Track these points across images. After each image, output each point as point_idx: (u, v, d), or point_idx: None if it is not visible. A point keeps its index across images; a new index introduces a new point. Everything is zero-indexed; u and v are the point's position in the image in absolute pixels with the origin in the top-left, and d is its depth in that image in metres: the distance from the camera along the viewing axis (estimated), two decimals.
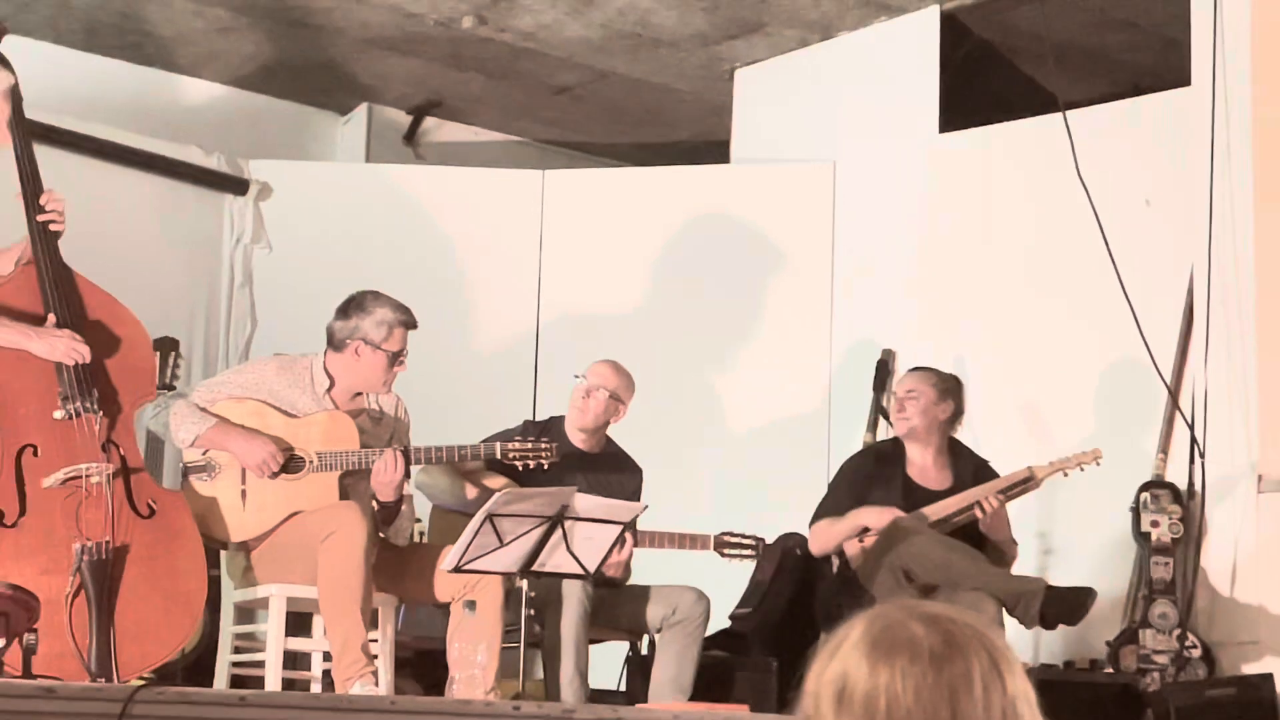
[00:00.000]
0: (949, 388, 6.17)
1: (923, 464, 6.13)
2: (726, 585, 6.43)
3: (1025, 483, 6.01)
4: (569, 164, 8.83)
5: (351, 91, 8.69)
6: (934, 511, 5.96)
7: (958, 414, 6.16)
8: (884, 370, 7.48)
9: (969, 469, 6.14)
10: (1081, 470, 6.03)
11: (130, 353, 5.13)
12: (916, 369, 6.34)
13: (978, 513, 5.92)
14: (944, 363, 6.60)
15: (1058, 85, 7.23)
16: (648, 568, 6.03)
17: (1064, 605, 5.77)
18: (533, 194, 8.18)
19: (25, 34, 7.39)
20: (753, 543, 5.92)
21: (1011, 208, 7.38)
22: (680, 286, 7.97)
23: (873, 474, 6.14)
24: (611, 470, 5.96)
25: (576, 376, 6.00)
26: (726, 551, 5.89)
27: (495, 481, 5.71)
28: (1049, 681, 5.93)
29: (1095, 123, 7.14)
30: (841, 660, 1.80)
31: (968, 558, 5.83)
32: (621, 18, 7.73)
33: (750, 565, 6.03)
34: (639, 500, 5.83)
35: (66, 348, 4.91)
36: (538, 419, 6.10)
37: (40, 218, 5.07)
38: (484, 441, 5.67)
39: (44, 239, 5.06)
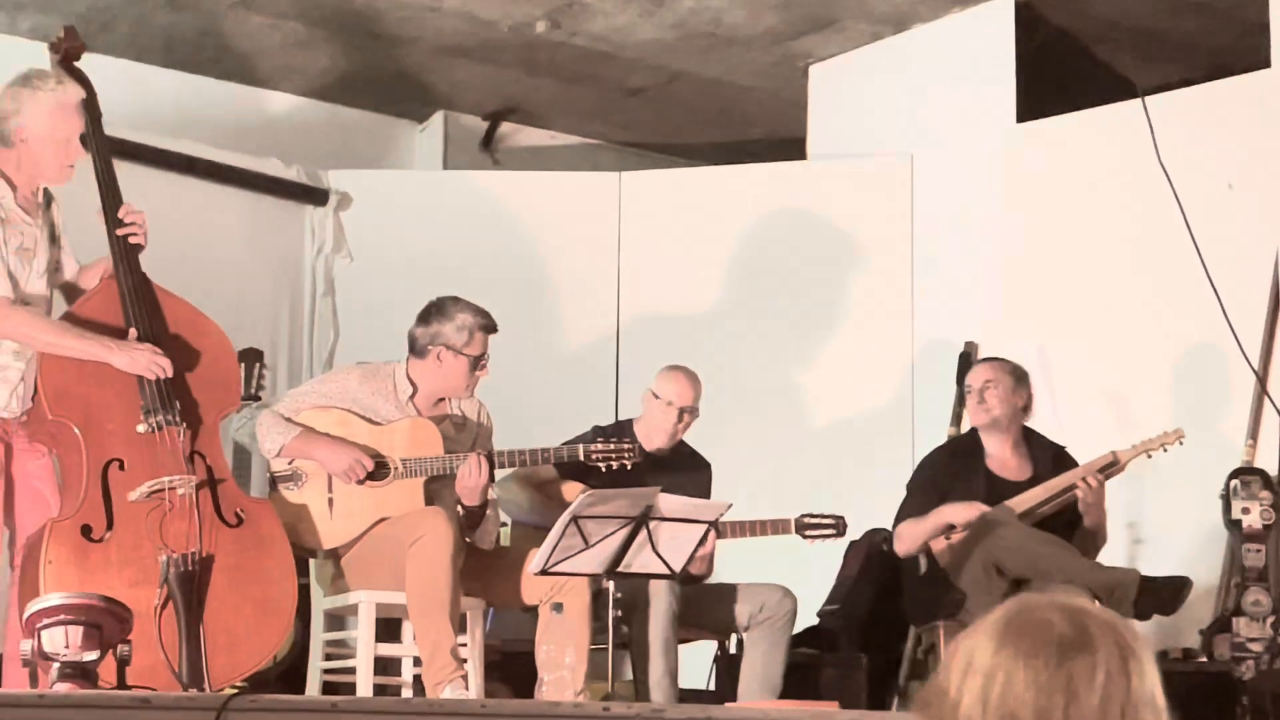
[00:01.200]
0: (1022, 375, 6.15)
1: (1001, 455, 6.10)
2: (813, 582, 6.42)
3: (1110, 467, 5.97)
4: (645, 165, 8.83)
5: (427, 99, 8.73)
6: (1020, 503, 5.92)
7: (1030, 402, 6.14)
8: (966, 363, 7.42)
9: (1047, 457, 6.10)
10: (1165, 451, 5.98)
11: (213, 364, 5.17)
12: (988, 359, 6.31)
13: (1078, 492, 5.88)
14: (1027, 353, 6.56)
15: (1136, 71, 7.17)
16: (732, 565, 6.03)
17: (1159, 596, 5.71)
18: (610, 196, 8.20)
19: (105, 52, 7.47)
20: (833, 521, 5.88)
21: (1092, 196, 7.32)
22: (759, 284, 7.96)
23: (952, 470, 6.10)
24: (683, 468, 5.94)
25: (656, 396, 5.97)
26: (808, 533, 5.87)
27: (571, 490, 5.71)
28: None
29: (1175, 108, 7.07)
30: (976, 635, 1.83)
31: (1059, 550, 5.78)
32: (694, 17, 7.72)
33: (833, 545, 5.97)
34: (710, 495, 5.84)
35: (148, 361, 4.96)
36: (604, 424, 6.05)
37: (119, 231, 5.12)
38: (562, 445, 5.68)
39: (124, 253, 5.11)
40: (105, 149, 5.24)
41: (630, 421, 6.03)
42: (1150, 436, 5.99)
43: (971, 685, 1.78)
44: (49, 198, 5.14)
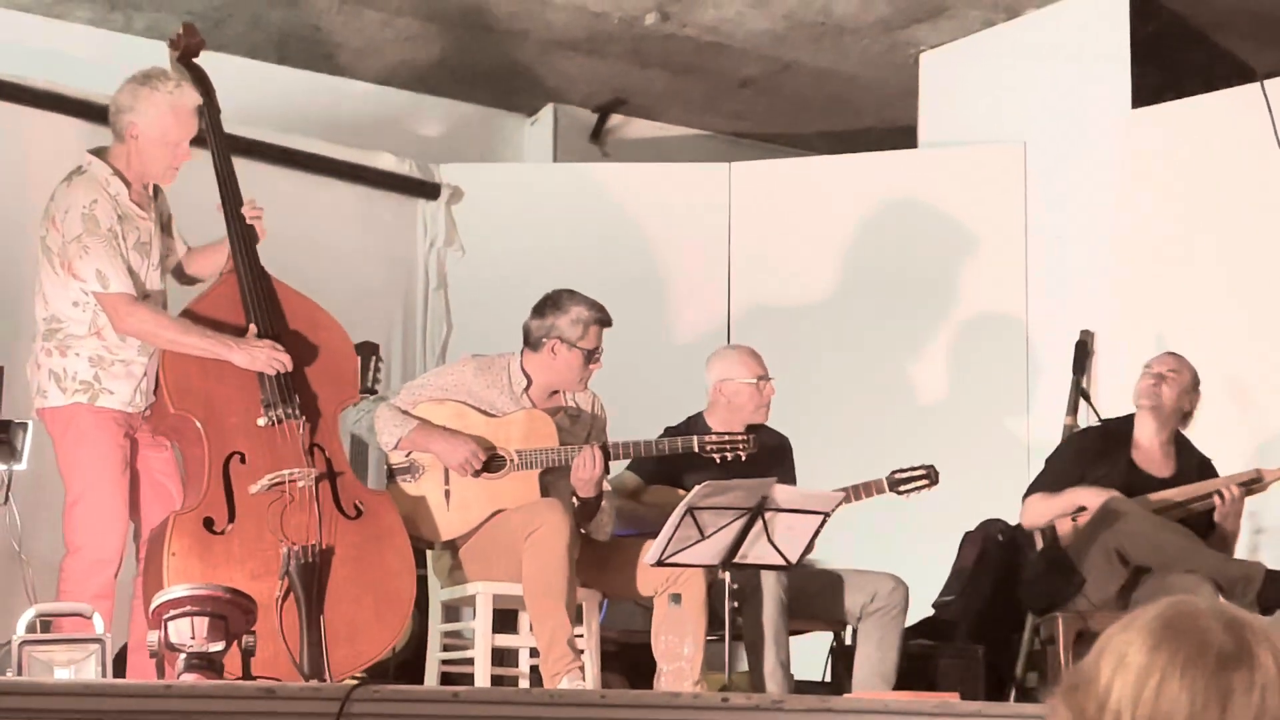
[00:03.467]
0: (1199, 382, 6.06)
1: (1149, 448, 6.03)
2: (929, 573, 6.39)
3: (1252, 482, 5.89)
4: (755, 156, 8.81)
5: (537, 93, 8.76)
6: (1157, 499, 5.85)
7: (1193, 410, 6.06)
8: (1083, 352, 7.36)
9: (1193, 463, 6.03)
10: None
11: (331, 358, 5.22)
12: (1174, 353, 6.18)
13: (1217, 500, 5.80)
14: (1144, 341, 6.48)
15: (1253, 55, 7.07)
16: (847, 556, 6.01)
17: None
18: (720, 187, 8.18)
19: (219, 49, 7.55)
20: (924, 471, 5.83)
21: (1209, 182, 7.22)
22: (871, 274, 7.92)
23: (1097, 451, 6.04)
24: (768, 452, 5.89)
25: (732, 380, 5.93)
26: (902, 488, 5.81)
27: (665, 494, 5.70)
28: None
29: None
30: (1130, 630, 1.81)
31: (1183, 539, 5.71)
32: (803, 8, 7.70)
33: (928, 495, 5.90)
34: (794, 474, 5.81)
35: (268, 358, 5.01)
36: (673, 424, 6.00)
37: (239, 226, 5.18)
38: (667, 438, 5.66)
39: (245, 249, 5.17)
40: (225, 146, 5.30)
41: (700, 416, 5.99)
42: None
43: (1124, 679, 1.77)
44: (157, 189, 5.21)
